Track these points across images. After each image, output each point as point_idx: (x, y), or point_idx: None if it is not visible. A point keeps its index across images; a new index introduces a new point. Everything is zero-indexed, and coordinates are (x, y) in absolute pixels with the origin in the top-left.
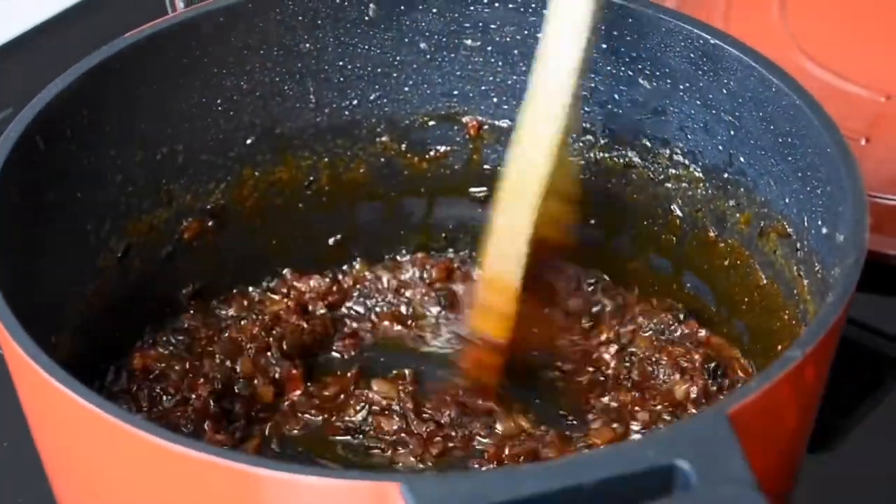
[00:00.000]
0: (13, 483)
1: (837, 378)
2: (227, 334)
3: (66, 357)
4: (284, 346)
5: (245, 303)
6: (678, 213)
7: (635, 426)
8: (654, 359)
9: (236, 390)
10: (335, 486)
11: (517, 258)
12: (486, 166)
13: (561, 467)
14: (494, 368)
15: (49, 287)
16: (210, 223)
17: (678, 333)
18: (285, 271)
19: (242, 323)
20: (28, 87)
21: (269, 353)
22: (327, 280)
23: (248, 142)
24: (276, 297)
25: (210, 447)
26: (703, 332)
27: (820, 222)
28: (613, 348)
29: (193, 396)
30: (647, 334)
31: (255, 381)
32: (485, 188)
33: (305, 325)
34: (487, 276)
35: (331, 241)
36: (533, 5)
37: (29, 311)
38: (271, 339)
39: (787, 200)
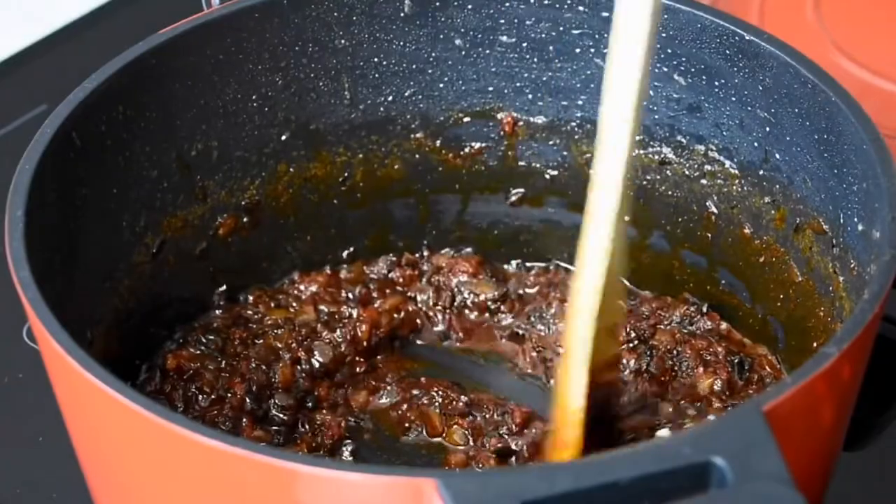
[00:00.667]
0: (48, 478)
1: (872, 375)
2: (261, 340)
3: (101, 353)
4: (315, 363)
5: (274, 303)
6: (713, 209)
7: (659, 420)
8: (676, 352)
9: (275, 400)
10: (372, 482)
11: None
12: (521, 163)
13: (596, 464)
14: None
15: (84, 282)
16: (245, 219)
17: (700, 326)
18: (325, 268)
19: (278, 332)
20: (62, 84)
21: (299, 367)
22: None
23: (283, 138)
24: (305, 298)
25: (247, 442)
26: (724, 325)
27: (856, 219)
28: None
29: (229, 395)
30: (667, 328)
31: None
32: (521, 189)
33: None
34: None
35: (364, 238)
36: (568, 2)
37: (65, 305)
38: (302, 351)
39: (822, 197)
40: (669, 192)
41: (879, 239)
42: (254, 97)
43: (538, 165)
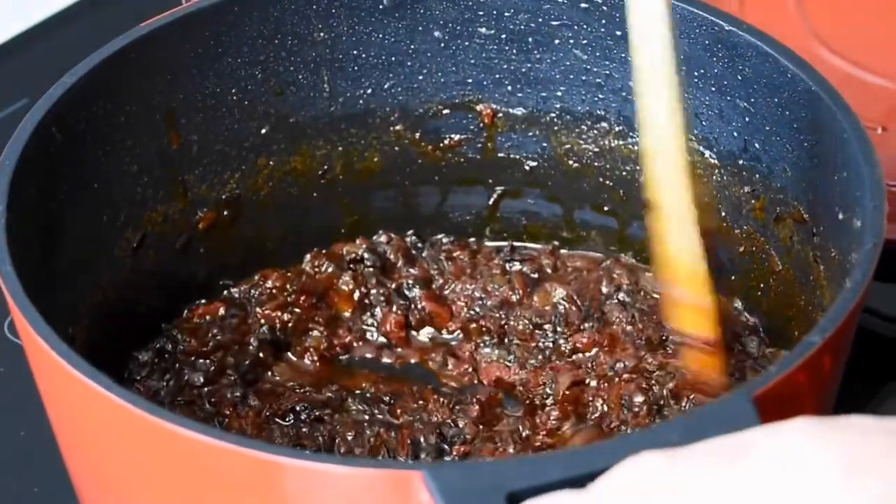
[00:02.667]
0: (29, 472)
1: (853, 367)
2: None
3: (84, 347)
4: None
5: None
6: None
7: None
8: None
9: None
10: (358, 475)
11: (690, 241)
12: (500, 154)
13: (584, 453)
14: (715, 366)
15: (65, 277)
16: (225, 213)
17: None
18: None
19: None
20: (43, 78)
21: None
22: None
23: (263, 131)
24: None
25: (233, 436)
26: None
27: (836, 208)
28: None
29: (216, 385)
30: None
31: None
32: (502, 186)
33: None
34: (669, 270)
35: (343, 230)
36: None
37: (46, 300)
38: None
39: (802, 186)
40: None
41: (861, 227)
42: (233, 91)
43: (517, 157)
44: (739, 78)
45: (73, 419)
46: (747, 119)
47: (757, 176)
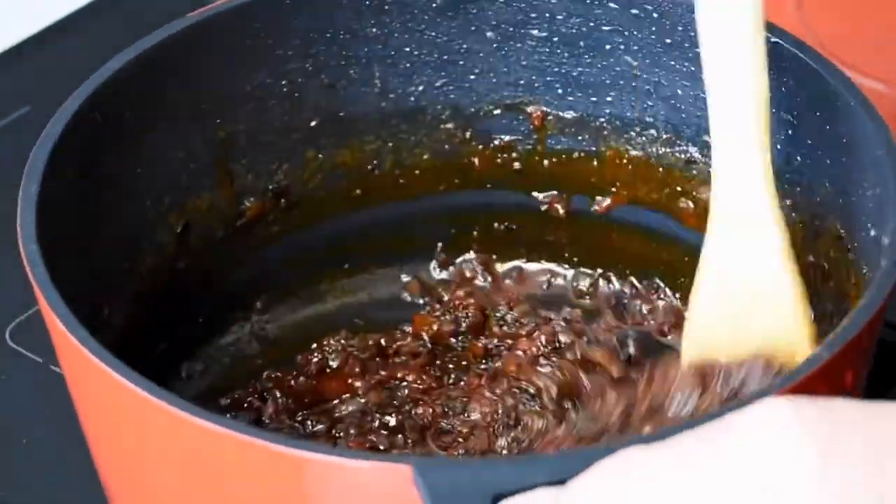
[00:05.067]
0: (33, 480)
1: (869, 379)
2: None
3: (120, 333)
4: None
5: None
6: None
7: None
8: None
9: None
10: (346, 466)
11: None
12: (551, 157)
13: (575, 455)
14: None
15: (104, 262)
16: (272, 204)
17: None
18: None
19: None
20: (45, 86)
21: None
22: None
23: (312, 124)
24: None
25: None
26: None
27: (869, 224)
28: None
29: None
30: None
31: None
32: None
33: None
34: None
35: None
36: None
37: (80, 284)
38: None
39: (840, 202)
40: (694, 192)
41: (888, 246)
42: (283, 83)
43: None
44: (783, 90)
45: (95, 406)
46: (790, 132)
47: (798, 189)
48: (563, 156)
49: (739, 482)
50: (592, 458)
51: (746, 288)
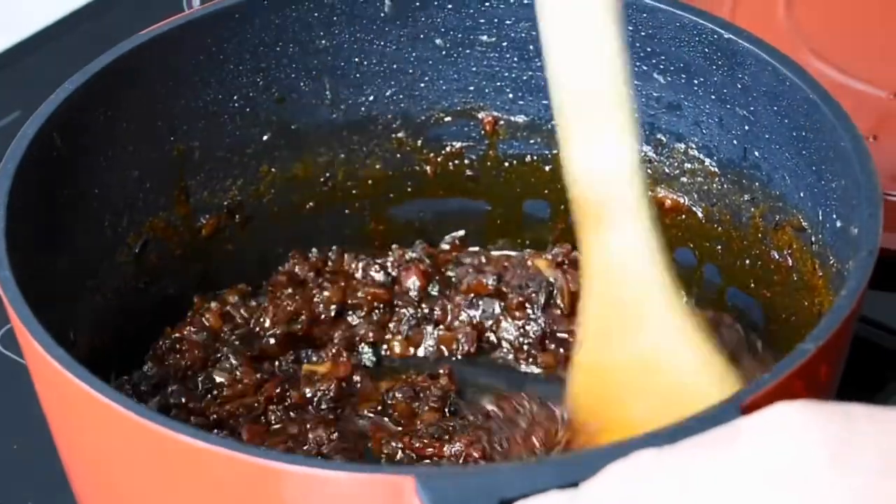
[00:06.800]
0: (23, 486)
1: (847, 375)
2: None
3: (85, 353)
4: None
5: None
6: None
7: None
8: None
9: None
10: (349, 480)
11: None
12: (502, 163)
13: (575, 460)
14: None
15: (66, 282)
16: (227, 220)
17: None
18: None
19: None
20: (35, 91)
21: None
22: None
23: (265, 138)
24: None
25: (215, 438)
26: None
27: (835, 216)
28: None
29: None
30: None
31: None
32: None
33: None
34: None
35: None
36: None
37: (47, 305)
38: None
39: (801, 194)
40: (650, 191)
41: (857, 235)
42: (235, 98)
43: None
44: (739, 86)
45: (71, 424)
46: (747, 127)
47: (757, 184)
48: (515, 161)
49: (752, 483)
50: (599, 460)
51: (621, 291)
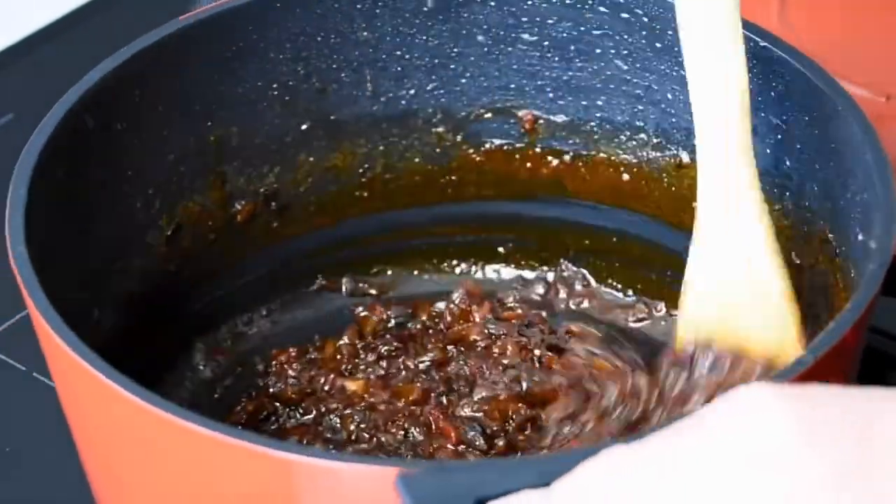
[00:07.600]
0: (13, 490)
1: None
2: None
3: (110, 335)
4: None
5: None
6: None
7: None
8: None
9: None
10: (329, 468)
11: None
12: (541, 160)
13: (557, 458)
14: None
15: (94, 263)
16: (263, 206)
17: None
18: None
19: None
20: (28, 94)
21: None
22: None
23: (303, 128)
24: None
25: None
26: None
27: (857, 228)
28: None
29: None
30: None
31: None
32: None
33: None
34: None
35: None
36: (590, 2)
37: (69, 285)
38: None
39: (829, 206)
40: (684, 195)
41: (875, 250)
42: (275, 86)
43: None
44: (773, 95)
45: (82, 409)
46: (780, 136)
47: (787, 194)
48: (554, 159)
49: (730, 462)
50: (576, 459)
51: (733, 287)
